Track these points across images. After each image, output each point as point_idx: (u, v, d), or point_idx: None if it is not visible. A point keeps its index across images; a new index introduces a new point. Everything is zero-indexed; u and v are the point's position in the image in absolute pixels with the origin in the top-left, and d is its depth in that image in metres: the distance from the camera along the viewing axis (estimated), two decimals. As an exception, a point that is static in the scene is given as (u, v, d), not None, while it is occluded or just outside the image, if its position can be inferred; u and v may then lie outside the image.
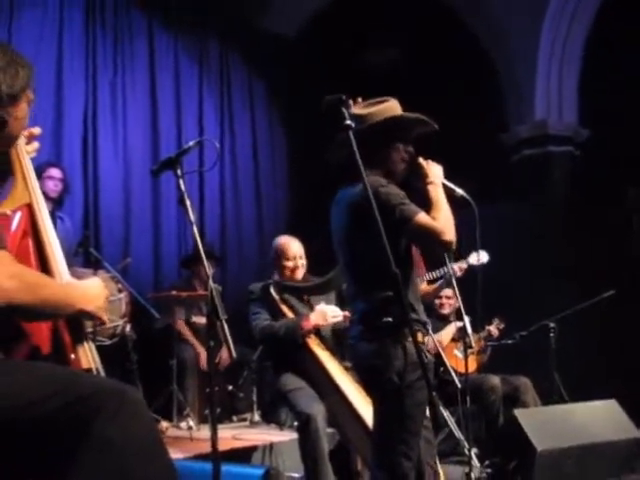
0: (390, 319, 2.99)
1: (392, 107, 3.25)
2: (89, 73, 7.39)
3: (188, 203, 2.86)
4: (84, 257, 5.88)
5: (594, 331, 6.91)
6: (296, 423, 4.53)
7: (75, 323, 2.20)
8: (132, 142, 7.65)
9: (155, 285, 7.49)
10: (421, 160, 3.29)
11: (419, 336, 3.07)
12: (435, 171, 3.28)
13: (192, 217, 2.85)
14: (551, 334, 6.30)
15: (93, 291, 2.17)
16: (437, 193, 3.20)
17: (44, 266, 2.22)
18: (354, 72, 8.64)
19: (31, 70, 2.14)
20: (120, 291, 5.64)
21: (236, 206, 8.56)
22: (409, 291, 3.15)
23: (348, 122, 2.56)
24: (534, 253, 7.52)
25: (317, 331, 4.64)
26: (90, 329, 2.29)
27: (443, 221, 3.05)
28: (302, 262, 4.80)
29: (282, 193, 9.12)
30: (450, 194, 3.30)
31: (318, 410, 4.27)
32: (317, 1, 9.16)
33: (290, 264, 4.74)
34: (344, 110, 2.58)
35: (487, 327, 6.45)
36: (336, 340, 4.85)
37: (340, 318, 4.50)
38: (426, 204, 3.18)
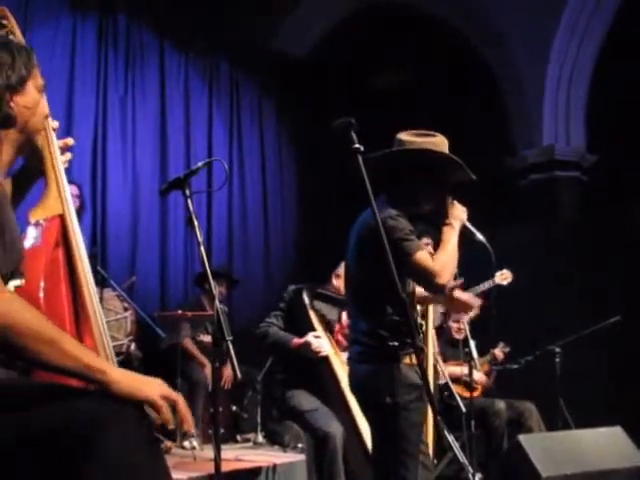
0: (396, 343, 3.00)
1: (436, 142, 3.23)
2: (100, 91, 7.42)
3: (196, 223, 2.87)
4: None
5: (600, 356, 6.88)
6: (300, 445, 4.55)
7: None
8: (141, 161, 7.68)
9: (161, 304, 7.49)
10: (449, 200, 3.30)
11: (412, 358, 3.07)
12: (456, 213, 3.28)
13: (200, 237, 2.86)
14: (556, 359, 6.27)
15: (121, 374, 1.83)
16: (449, 235, 3.20)
17: (72, 279, 2.20)
18: (363, 92, 8.68)
19: (31, 53, 2.04)
20: (126, 309, 5.66)
21: (243, 226, 8.58)
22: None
23: (356, 146, 2.57)
24: (542, 276, 7.50)
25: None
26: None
27: (441, 264, 3.06)
28: None
29: (290, 213, 9.14)
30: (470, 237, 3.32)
31: (337, 429, 4.31)
32: (326, 22, 9.22)
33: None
34: (353, 134, 2.59)
35: (492, 350, 6.44)
36: None
37: (324, 354, 4.52)
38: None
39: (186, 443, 5.86)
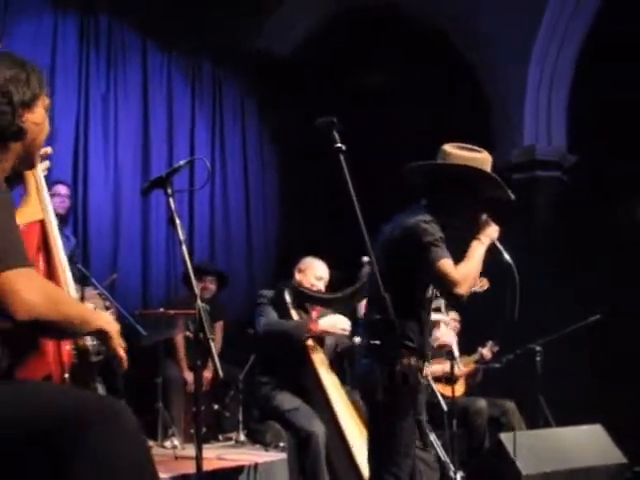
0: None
1: (480, 159, 3.30)
2: (82, 90, 7.39)
3: (178, 222, 2.87)
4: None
5: (580, 355, 6.92)
6: (282, 443, 4.55)
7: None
8: (123, 160, 7.65)
9: (143, 301, 7.48)
10: (482, 217, 3.38)
11: (411, 360, 3.13)
12: (489, 231, 3.36)
13: (182, 236, 2.86)
14: (537, 358, 6.31)
15: (109, 317, 2.18)
16: (476, 249, 3.29)
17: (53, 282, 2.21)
18: (346, 92, 8.68)
19: (42, 74, 2.14)
20: (107, 308, 5.63)
21: (226, 224, 8.57)
22: (420, 324, 3.28)
23: (339, 145, 2.58)
24: (525, 276, 7.52)
25: (320, 341, 4.75)
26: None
27: (463, 274, 3.15)
28: (323, 283, 4.91)
29: (272, 212, 9.14)
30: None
31: (319, 428, 4.33)
32: (309, 22, 9.21)
33: (313, 281, 4.83)
34: (335, 133, 2.61)
35: (480, 350, 6.47)
36: (337, 357, 4.93)
37: (347, 332, 4.58)
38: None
39: (167, 442, 5.85)
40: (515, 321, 3.49)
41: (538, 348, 6.34)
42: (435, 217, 3.21)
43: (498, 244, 3.37)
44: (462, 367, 6.12)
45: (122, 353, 2.16)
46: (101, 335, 2.10)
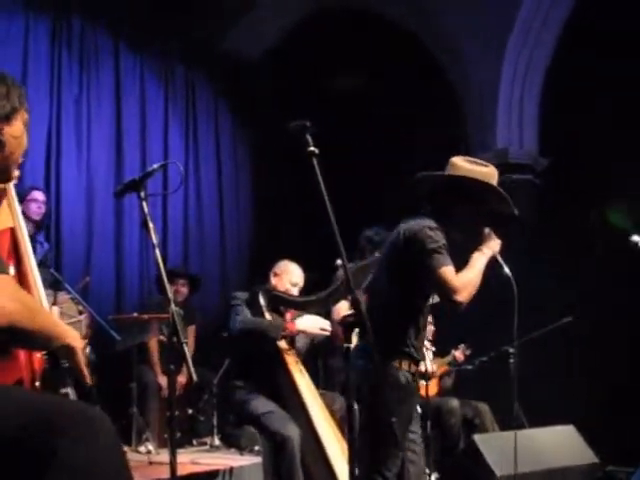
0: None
1: (486, 173, 3.40)
2: (54, 93, 7.35)
3: (151, 226, 2.86)
4: (42, 277, 5.81)
5: (553, 357, 6.97)
6: (257, 447, 4.55)
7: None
8: (96, 162, 7.61)
9: (117, 304, 7.44)
10: (485, 230, 3.44)
11: (403, 364, 3.25)
12: (491, 244, 3.43)
13: (155, 240, 2.85)
14: (510, 360, 6.34)
15: (76, 334, 2.16)
16: (478, 260, 3.36)
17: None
18: (319, 94, 8.69)
19: (22, 89, 2.15)
20: (81, 313, 5.60)
21: (199, 227, 8.55)
22: (417, 329, 3.34)
23: (312, 148, 2.59)
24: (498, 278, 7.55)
25: (291, 342, 4.74)
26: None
27: (464, 282, 3.22)
28: (297, 289, 4.91)
29: (245, 215, 9.13)
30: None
31: (294, 431, 4.32)
32: (281, 25, 9.22)
33: (288, 287, 4.83)
34: (308, 136, 2.61)
35: (453, 352, 6.50)
36: (312, 354, 4.94)
37: (327, 333, 4.59)
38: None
39: (141, 447, 5.82)
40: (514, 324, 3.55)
41: (511, 350, 6.36)
42: (440, 224, 3.28)
43: (499, 257, 3.45)
44: (435, 368, 6.15)
45: (85, 370, 2.15)
46: (68, 351, 2.09)
